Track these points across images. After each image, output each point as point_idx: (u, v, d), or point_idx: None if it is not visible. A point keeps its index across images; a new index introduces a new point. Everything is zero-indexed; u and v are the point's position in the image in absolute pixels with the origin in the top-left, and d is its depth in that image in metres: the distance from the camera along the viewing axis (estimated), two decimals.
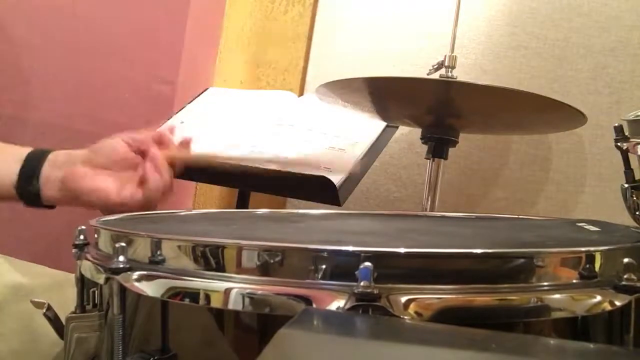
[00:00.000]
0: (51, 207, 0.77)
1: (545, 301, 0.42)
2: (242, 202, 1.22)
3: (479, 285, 0.42)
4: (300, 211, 0.92)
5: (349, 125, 1.11)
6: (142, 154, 0.77)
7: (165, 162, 0.77)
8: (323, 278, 0.42)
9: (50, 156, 0.76)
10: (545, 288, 0.43)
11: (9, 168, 0.74)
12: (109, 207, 0.75)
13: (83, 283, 0.57)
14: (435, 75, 1.04)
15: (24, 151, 0.76)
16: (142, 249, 0.49)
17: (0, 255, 0.83)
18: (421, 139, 1.05)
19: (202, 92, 1.30)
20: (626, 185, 0.64)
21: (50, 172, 0.75)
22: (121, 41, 1.25)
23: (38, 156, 0.76)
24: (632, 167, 0.64)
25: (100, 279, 0.51)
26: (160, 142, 0.78)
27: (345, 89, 0.98)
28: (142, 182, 0.76)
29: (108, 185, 0.74)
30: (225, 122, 1.19)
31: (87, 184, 0.74)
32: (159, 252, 0.48)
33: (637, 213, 0.63)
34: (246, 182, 1.07)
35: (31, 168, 0.74)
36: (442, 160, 1.03)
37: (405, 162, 1.30)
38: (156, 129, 0.83)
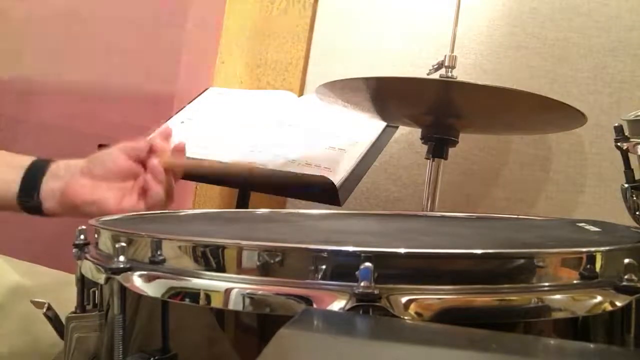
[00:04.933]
0: (53, 215, 0.78)
1: (545, 301, 0.42)
2: (242, 202, 1.22)
3: (479, 286, 0.42)
4: (300, 211, 0.92)
5: (349, 125, 1.11)
6: (142, 162, 0.77)
7: (164, 173, 0.77)
8: (323, 278, 0.42)
9: (51, 168, 0.76)
10: (546, 288, 0.43)
11: (10, 181, 0.75)
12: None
13: (83, 283, 0.57)
14: (435, 75, 1.04)
15: (24, 162, 0.76)
16: (142, 249, 0.49)
17: (0, 255, 0.83)
18: (421, 139, 1.05)
19: (202, 92, 1.30)
20: (626, 185, 0.64)
21: (51, 185, 0.75)
22: (121, 41, 1.25)
23: (39, 168, 0.76)
24: (632, 167, 0.64)
25: (101, 279, 0.51)
26: (158, 149, 0.78)
27: (345, 89, 0.98)
28: (144, 193, 0.76)
29: (107, 196, 0.74)
30: (225, 122, 1.19)
31: (86, 196, 0.74)
32: (159, 252, 0.48)
33: (637, 213, 0.63)
34: (246, 182, 1.07)
35: (32, 181, 0.75)
36: (442, 160, 1.03)
37: (405, 162, 1.30)
38: (152, 133, 0.83)
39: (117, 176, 0.76)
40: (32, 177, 0.75)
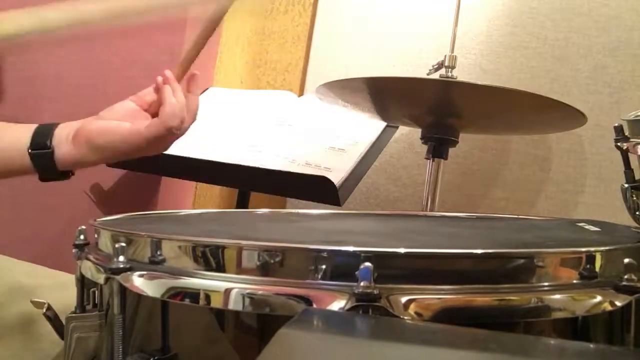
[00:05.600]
0: (65, 176, 0.75)
1: (545, 301, 0.42)
2: (242, 202, 1.22)
3: (479, 286, 0.42)
4: (300, 211, 0.92)
5: (349, 125, 1.11)
6: (149, 109, 0.75)
7: (177, 85, 0.74)
8: (323, 278, 0.42)
9: (60, 124, 0.75)
10: (546, 288, 0.43)
11: (21, 135, 0.73)
12: (125, 144, 0.72)
13: (83, 283, 0.57)
14: (435, 75, 1.04)
15: (33, 125, 0.75)
16: (142, 249, 0.49)
17: (0, 255, 0.83)
18: (421, 139, 1.05)
19: (202, 92, 1.30)
20: (626, 185, 0.64)
21: (62, 131, 0.73)
22: (121, 41, 1.25)
23: (48, 125, 0.75)
24: (632, 167, 0.64)
25: (101, 279, 0.51)
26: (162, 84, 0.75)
27: (345, 89, 0.98)
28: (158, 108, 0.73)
29: (120, 123, 0.72)
30: (225, 122, 1.19)
31: (100, 127, 0.72)
32: (159, 252, 0.48)
33: (637, 213, 0.63)
34: (246, 182, 1.07)
35: (44, 132, 0.73)
36: (442, 160, 1.03)
37: (405, 162, 1.30)
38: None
39: (127, 118, 0.74)
40: (44, 129, 0.74)
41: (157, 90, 0.75)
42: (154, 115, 0.73)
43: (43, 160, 0.72)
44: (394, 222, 0.84)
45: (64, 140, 0.73)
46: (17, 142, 0.73)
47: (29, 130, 0.73)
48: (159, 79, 0.75)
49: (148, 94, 0.76)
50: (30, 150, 0.72)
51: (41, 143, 0.72)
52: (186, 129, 0.74)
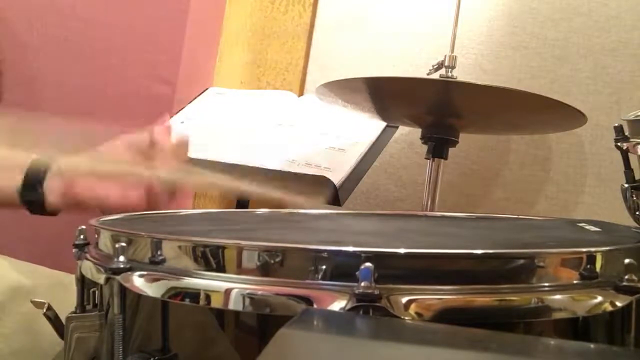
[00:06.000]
0: (54, 214, 0.77)
1: (545, 302, 0.42)
2: (242, 202, 1.22)
3: (479, 286, 0.42)
4: (300, 211, 0.92)
5: (349, 125, 1.11)
6: (144, 156, 0.76)
7: (170, 168, 0.76)
8: (323, 278, 0.42)
9: (53, 165, 0.75)
10: (546, 289, 0.43)
11: (12, 178, 0.74)
12: (111, 212, 0.74)
13: (83, 283, 0.57)
14: (435, 75, 1.04)
15: (26, 159, 0.75)
16: (142, 249, 0.49)
17: (0, 255, 0.83)
18: (421, 139, 1.05)
19: (202, 92, 1.30)
20: (626, 185, 0.64)
21: (54, 182, 0.74)
22: (121, 41, 1.25)
23: (41, 167, 0.75)
24: (632, 167, 0.64)
25: (101, 279, 0.51)
26: (159, 141, 0.77)
27: (345, 89, 0.98)
28: (147, 191, 0.75)
29: (109, 192, 0.74)
30: (225, 122, 1.19)
31: (89, 193, 0.73)
32: (159, 252, 0.48)
33: (637, 213, 0.63)
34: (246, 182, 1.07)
35: (35, 178, 0.74)
36: (442, 160, 1.03)
37: (405, 162, 1.30)
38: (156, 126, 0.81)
39: (119, 171, 0.75)
40: (35, 176, 0.74)
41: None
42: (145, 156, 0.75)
43: (33, 205, 0.74)
44: (394, 222, 0.84)
45: (55, 191, 0.74)
46: (7, 186, 0.74)
47: (20, 172, 0.74)
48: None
49: (143, 142, 0.77)
50: (20, 195, 0.73)
51: (32, 190, 0.73)
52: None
